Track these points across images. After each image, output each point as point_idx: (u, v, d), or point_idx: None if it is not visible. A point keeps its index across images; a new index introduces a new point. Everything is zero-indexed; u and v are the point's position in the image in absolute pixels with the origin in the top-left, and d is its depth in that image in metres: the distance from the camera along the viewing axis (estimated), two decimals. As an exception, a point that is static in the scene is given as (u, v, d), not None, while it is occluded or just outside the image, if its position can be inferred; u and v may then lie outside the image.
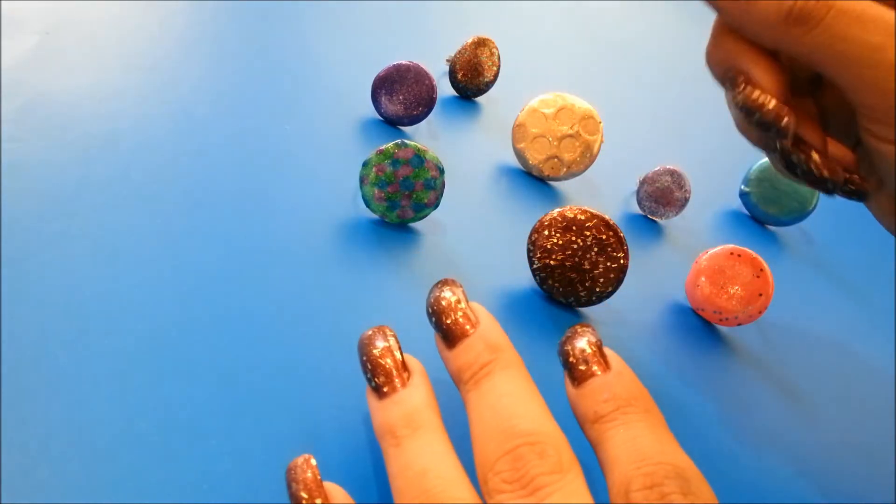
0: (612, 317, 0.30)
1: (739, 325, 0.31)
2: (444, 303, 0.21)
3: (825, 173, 0.21)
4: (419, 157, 0.29)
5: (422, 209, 0.31)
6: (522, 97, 0.40)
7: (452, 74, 0.48)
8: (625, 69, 0.68)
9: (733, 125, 0.24)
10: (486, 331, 0.20)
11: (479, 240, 0.32)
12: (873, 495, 0.25)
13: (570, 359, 0.20)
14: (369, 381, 0.19)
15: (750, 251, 0.31)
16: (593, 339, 0.20)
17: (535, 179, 0.41)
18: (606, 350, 0.20)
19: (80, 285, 0.23)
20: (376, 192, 0.30)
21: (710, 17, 0.21)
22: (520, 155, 0.40)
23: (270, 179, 0.32)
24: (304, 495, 0.17)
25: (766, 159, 0.42)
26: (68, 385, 0.20)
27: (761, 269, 0.31)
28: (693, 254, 0.33)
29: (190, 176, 0.30)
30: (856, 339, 0.35)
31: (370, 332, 0.20)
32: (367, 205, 0.30)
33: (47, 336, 0.21)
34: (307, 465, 0.17)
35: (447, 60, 0.49)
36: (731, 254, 0.31)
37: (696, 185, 0.42)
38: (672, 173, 0.40)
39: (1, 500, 0.16)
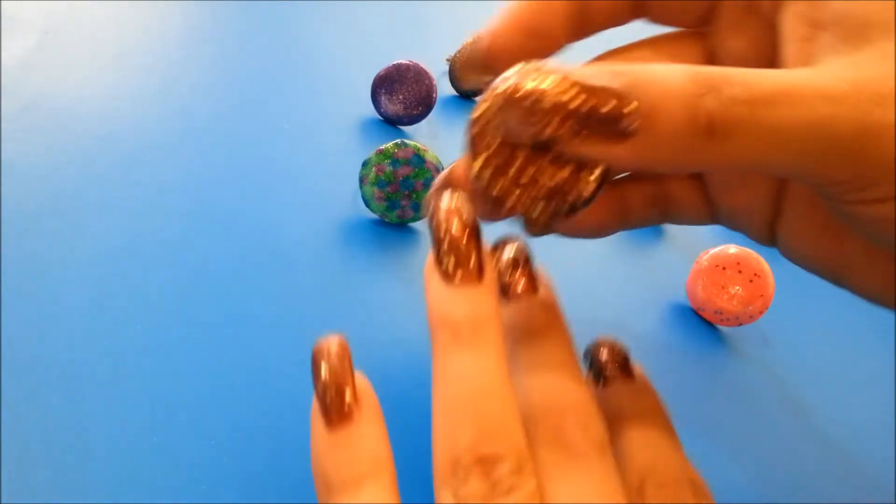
0: (612, 317, 0.30)
1: (740, 325, 0.31)
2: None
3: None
4: (419, 157, 0.29)
5: (421, 209, 0.31)
6: (522, 97, 0.40)
7: (452, 74, 0.48)
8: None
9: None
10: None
11: (479, 240, 0.32)
12: (873, 495, 0.25)
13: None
14: (437, 254, 0.15)
15: (751, 251, 0.31)
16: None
17: (535, 179, 0.41)
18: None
19: (80, 285, 0.23)
20: (376, 191, 0.30)
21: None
22: (520, 155, 0.40)
23: (270, 179, 0.32)
24: (332, 383, 0.15)
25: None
26: (68, 385, 0.19)
27: (762, 270, 0.30)
28: (693, 254, 0.33)
29: (189, 175, 0.30)
30: (856, 340, 0.35)
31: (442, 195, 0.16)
32: (367, 205, 0.30)
33: (47, 336, 0.21)
34: (340, 349, 0.15)
35: (447, 60, 0.49)
36: (732, 254, 0.31)
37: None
38: (672, 173, 0.40)
39: (1, 500, 0.16)
